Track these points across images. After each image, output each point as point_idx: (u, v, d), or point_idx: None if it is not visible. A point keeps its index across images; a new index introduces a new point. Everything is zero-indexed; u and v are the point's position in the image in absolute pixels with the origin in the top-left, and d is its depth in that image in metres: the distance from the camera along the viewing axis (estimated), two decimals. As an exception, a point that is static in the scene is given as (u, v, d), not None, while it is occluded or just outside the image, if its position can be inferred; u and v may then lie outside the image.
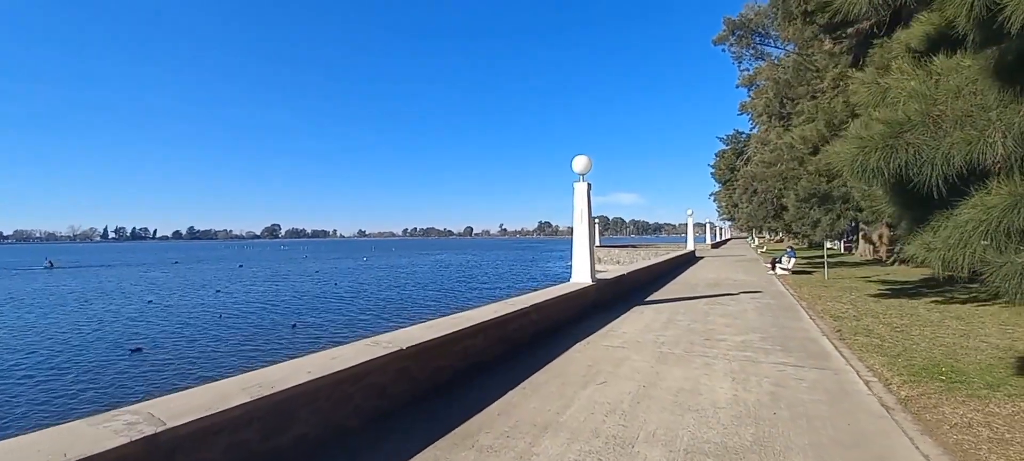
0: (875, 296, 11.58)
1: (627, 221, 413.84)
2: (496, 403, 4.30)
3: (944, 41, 3.76)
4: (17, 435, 2.27)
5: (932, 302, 10.32)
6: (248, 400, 2.74)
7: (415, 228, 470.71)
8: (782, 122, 18.74)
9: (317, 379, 3.23)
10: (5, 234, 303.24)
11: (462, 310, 6.46)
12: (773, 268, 18.39)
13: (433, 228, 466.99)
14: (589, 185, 9.75)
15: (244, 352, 14.99)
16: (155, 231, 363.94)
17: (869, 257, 26.27)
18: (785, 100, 16.92)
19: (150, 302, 27.12)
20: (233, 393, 2.82)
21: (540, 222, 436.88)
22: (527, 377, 5.13)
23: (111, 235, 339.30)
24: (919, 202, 3.55)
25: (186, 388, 3.00)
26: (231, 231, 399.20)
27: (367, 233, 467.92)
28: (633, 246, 60.31)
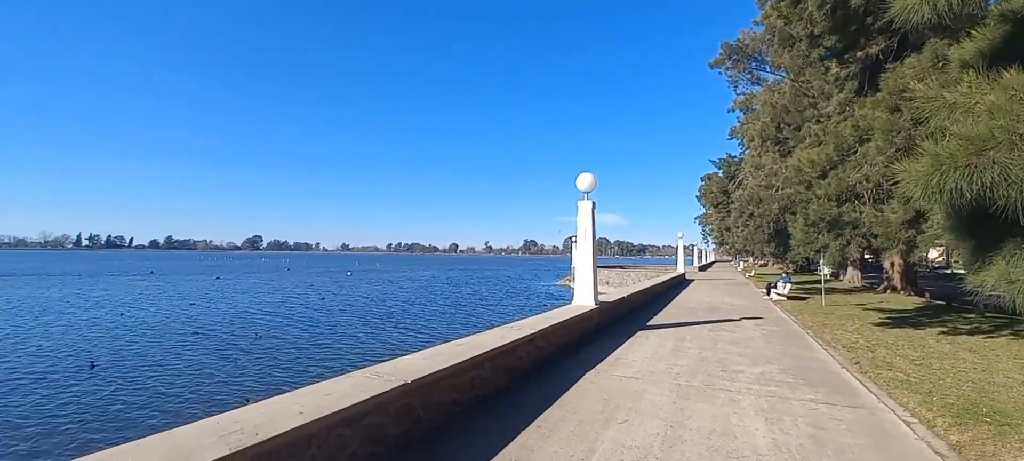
0: (878, 325, 11.32)
1: (611, 242, 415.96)
2: (511, 446, 3.78)
3: (1007, 55, 3.46)
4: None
5: (939, 333, 10.08)
6: (226, 453, 2.20)
7: (400, 243, 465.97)
8: (778, 146, 18.76)
9: (309, 423, 2.70)
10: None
11: (462, 335, 5.95)
12: (768, 293, 18.18)
13: (418, 244, 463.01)
14: (594, 203, 9.36)
15: (216, 377, 14.14)
16: (131, 240, 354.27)
17: (858, 284, 26.38)
18: (782, 124, 16.94)
19: (122, 315, 25.86)
20: (206, 443, 2.28)
21: (525, 240, 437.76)
22: (540, 413, 4.62)
23: (85, 243, 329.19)
24: (991, 228, 3.19)
25: (139, 436, 2.43)
26: (211, 241, 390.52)
27: (351, 247, 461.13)
28: (620, 267, 60.28)
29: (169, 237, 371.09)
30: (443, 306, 33.63)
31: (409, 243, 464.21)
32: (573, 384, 5.74)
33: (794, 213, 11.94)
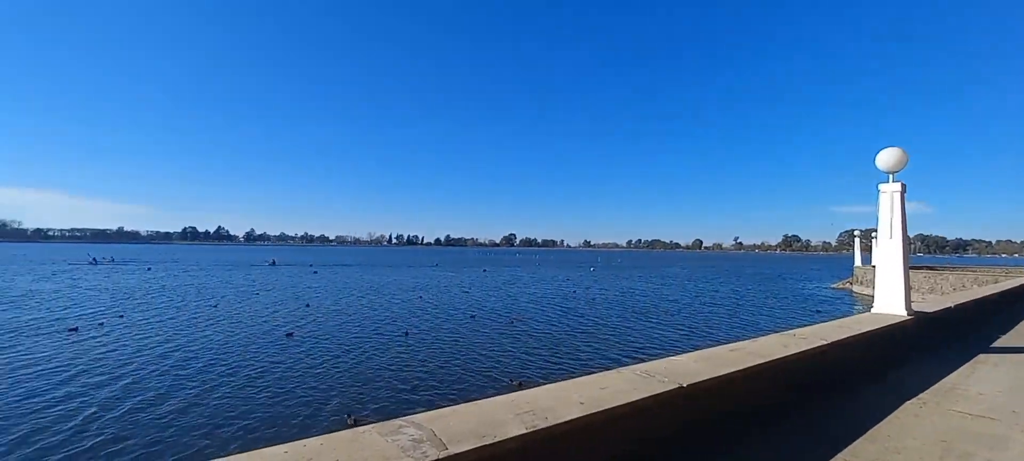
0: None
1: (912, 236, 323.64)
2: (814, 480, 3.13)
3: None
4: (302, 438, 2.29)
5: None
6: (524, 432, 2.35)
7: (639, 239, 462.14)
8: None
9: (590, 414, 2.71)
10: (329, 237, 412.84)
11: (730, 340, 5.32)
12: None
13: (659, 240, 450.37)
14: (903, 187, 7.29)
15: (492, 357, 16.30)
16: (422, 238, 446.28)
17: None
18: None
19: (420, 297, 32.57)
20: (506, 419, 2.49)
21: (785, 235, 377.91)
22: (845, 445, 3.73)
23: (393, 240, 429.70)
24: None
25: (458, 401, 2.79)
26: (477, 239, 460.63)
27: (592, 243, 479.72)
28: (929, 267, 46.49)
29: (448, 235, 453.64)
30: (695, 304, 31.79)
31: (649, 239, 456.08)
32: (887, 414, 4.50)
33: None
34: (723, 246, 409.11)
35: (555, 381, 3.33)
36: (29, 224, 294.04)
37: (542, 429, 2.43)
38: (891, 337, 6.84)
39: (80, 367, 13.19)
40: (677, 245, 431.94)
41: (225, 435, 9.10)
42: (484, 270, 69.89)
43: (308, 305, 27.33)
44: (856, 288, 42.65)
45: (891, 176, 7.41)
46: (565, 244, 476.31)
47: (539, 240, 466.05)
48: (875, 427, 4.15)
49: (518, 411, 2.62)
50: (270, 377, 12.73)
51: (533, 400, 2.82)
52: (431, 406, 10.74)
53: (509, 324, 21.70)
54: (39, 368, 13.04)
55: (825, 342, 5.25)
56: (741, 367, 4.01)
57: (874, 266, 43.26)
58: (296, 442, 2.16)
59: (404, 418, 2.48)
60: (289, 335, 18.14)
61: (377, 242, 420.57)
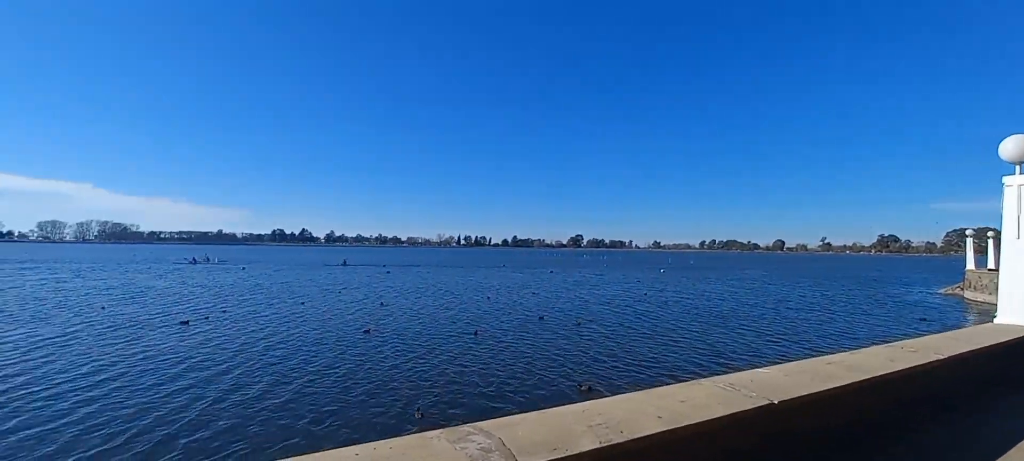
0: None
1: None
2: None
3: None
4: (372, 440, 2.30)
5: None
6: (597, 446, 2.22)
7: (713, 240, 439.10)
8: None
9: (669, 430, 2.51)
10: (401, 238, 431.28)
11: (829, 351, 4.82)
12: None
13: (734, 240, 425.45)
14: (1035, 178, 6.31)
15: (560, 359, 16.14)
16: (489, 239, 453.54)
17: None
18: None
19: (488, 298, 33.02)
20: (578, 431, 2.36)
21: (881, 236, 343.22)
22: (972, 478, 3.23)
23: (462, 241, 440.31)
24: None
25: (525, 401, 2.71)
26: (544, 240, 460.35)
27: (662, 244, 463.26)
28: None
29: (515, 236, 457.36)
30: (780, 309, 29.70)
31: (724, 240, 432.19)
32: (1013, 445, 3.86)
33: None
34: (808, 247, 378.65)
35: (627, 390, 3.15)
36: (145, 227, 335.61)
37: (617, 444, 2.28)
38: (1018, 353, 5.92)
39: (193, 359, 14.63)
40: (755, 246, 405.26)
41: (319, 431, 9.67)
42: (551, 271, 69.69)
43: (383, 304, 28.62)
44: (969, 294, 37.82)
45: (1018, 167, 6.44)
46: (634, 245, 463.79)
47: (606, 241, 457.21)
48: (1004, 457, 3.57)
49: (590, 422, 2.48)
50: (351, 371, 13.45)
51: (606, 411, 2.67)
52: (497, 403, 10.84)
53: (577, 326, 21.42)
54: (162, 359, 14.62)
55: (939, 357, 4.63)
56: (839, 383, 3.60)
57: (993, 270, 38.05)
58: (366, 444, 2.17)
59: (472, 425, 2.43)
60: (367, 331, 19.07)
61: (446, 243, 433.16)
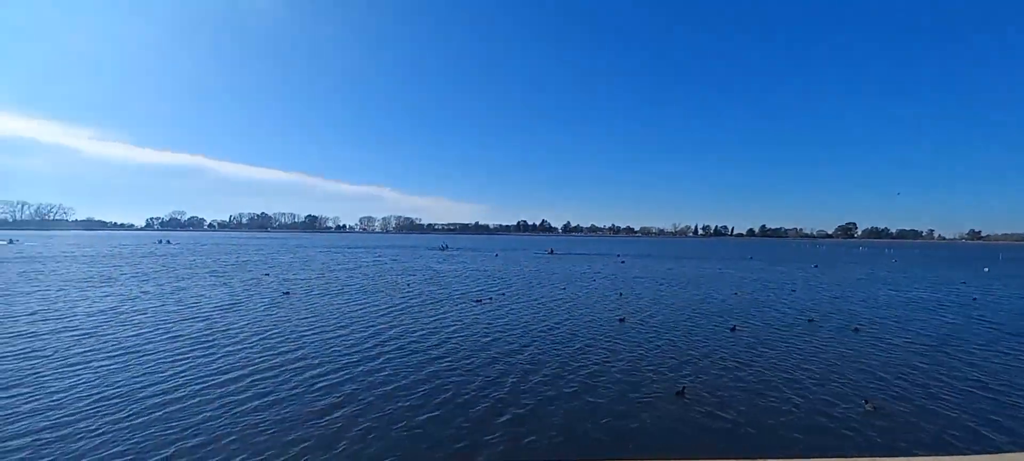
0: None
1: None
2: None
3: None
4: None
5: None
6: None
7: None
8: None
9: None
10: (634, 228, 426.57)
11: None
12: None
13: None
14: None
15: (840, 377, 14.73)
16: (732, 229, 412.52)
17: None
18: None
19: (737, 295, 31.09)
20: None
21: None
22: None
23: (700, 231, 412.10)
24: None
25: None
26: (801, 229, 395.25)
27: (984, 235, 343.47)
28: None
29: (763, 226, 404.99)
30: None
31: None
32: None
33: None
34: None
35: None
36: (425, 220, 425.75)
37: None
38: None
39: (487, 332, 18.38)
40: None
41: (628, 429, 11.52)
42: (815, 266, 60.24)
43: (621, 294, 29.83)
44: None
45: None
46: (935, 235, 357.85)
47: (892, 230, 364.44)
48: None
49: None
50: (612, 361, 15.11)
51: None
52: (760, 410, 10.69)
53: (853, 332, 18.82)
54: (466, 332, 18.43)
55: None
56: None
57: None
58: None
59: None
60: (621, 320, 20.64)
61: (682, 233, 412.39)
